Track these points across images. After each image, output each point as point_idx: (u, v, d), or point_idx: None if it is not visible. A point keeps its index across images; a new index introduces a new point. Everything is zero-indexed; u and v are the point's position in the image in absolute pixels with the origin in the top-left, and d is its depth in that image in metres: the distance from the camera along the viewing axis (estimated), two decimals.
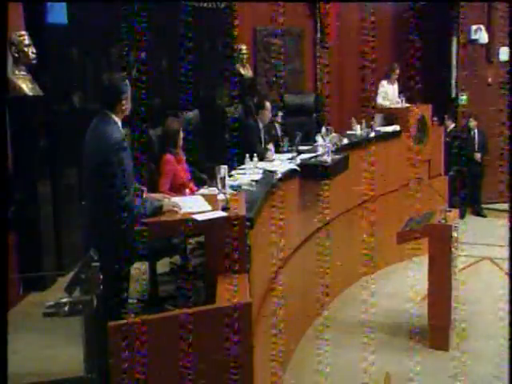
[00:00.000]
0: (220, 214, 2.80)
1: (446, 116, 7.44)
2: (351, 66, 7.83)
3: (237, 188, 3.48)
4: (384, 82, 6.86)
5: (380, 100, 6.83)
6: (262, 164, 4.36)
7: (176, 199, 3.17)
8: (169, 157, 4.15)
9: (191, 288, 2.98)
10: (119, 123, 3.00)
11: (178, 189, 4.04)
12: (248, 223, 2.80)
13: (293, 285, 4.02)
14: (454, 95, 8.08)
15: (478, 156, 7.52)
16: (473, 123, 7.55)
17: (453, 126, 7.53)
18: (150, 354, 2.12)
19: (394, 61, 7.21)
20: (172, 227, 2.90)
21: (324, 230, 4.66)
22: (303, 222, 4.42)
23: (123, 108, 3.01)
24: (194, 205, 3.00)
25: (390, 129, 6.10)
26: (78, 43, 5.53)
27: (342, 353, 4.03)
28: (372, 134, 5.78)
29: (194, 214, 2.82)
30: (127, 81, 3.07)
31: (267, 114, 5.29)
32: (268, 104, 5.31)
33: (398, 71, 6.84)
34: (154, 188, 3.86)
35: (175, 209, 2.95)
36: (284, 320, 3.59)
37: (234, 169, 4.14)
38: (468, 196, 7.31)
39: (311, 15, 8.12)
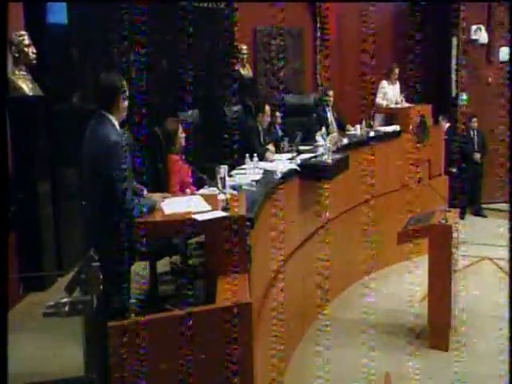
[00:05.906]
0: (220, 213, 2.80)
1: (440, 116, 7.42)
2: (351, 65, 7.82)
3: (237, 188, 3.48)
4: (384, 82, 6.88)
5: (379, 100, 6.84)
6: (261, 164, 4.36)
7: (176, 199, 3.17)
8: (175, 156, 4.14)
9: (191, 288, 2.98)
10: (116, 124, 2.95)
11: (183, 188, 4.04)
12: (248, 223, 2.80)
13: (293, 285, 4.02)
14: (454, 95, 8.08)
15: (477, 156, 7.51)
16: (476, 123, 7.55)
17: (447, 125, 7.51)
18: (150, 354, 2.12)
19: (394, 61, 7.21)
20: (172, 227, 2.90)
21: (324, 229, 4.65)
22: (303, 222, 4.42)
23: (120, 108, 2.96)
24: (194, 205, 3.00)
25: (390, 129, 6.11)
26: (78, 43, 5.53)
27: (341, 353, 4.02)
28: (372, 134, 5.78)
29: (193, 213, 2.82)
30: (123, 80, 3.01)
31: (266, 118, 5.30)
32: (268, 108, 5.30)
33: (397, 71, 6.85)
34: (160, 188, 3.83)
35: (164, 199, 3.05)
36: (284, 320, 3.59)
37: (234, 168, 4.14)
38: (468, 196, 7.30)
39: (311, 15, 8.12)
